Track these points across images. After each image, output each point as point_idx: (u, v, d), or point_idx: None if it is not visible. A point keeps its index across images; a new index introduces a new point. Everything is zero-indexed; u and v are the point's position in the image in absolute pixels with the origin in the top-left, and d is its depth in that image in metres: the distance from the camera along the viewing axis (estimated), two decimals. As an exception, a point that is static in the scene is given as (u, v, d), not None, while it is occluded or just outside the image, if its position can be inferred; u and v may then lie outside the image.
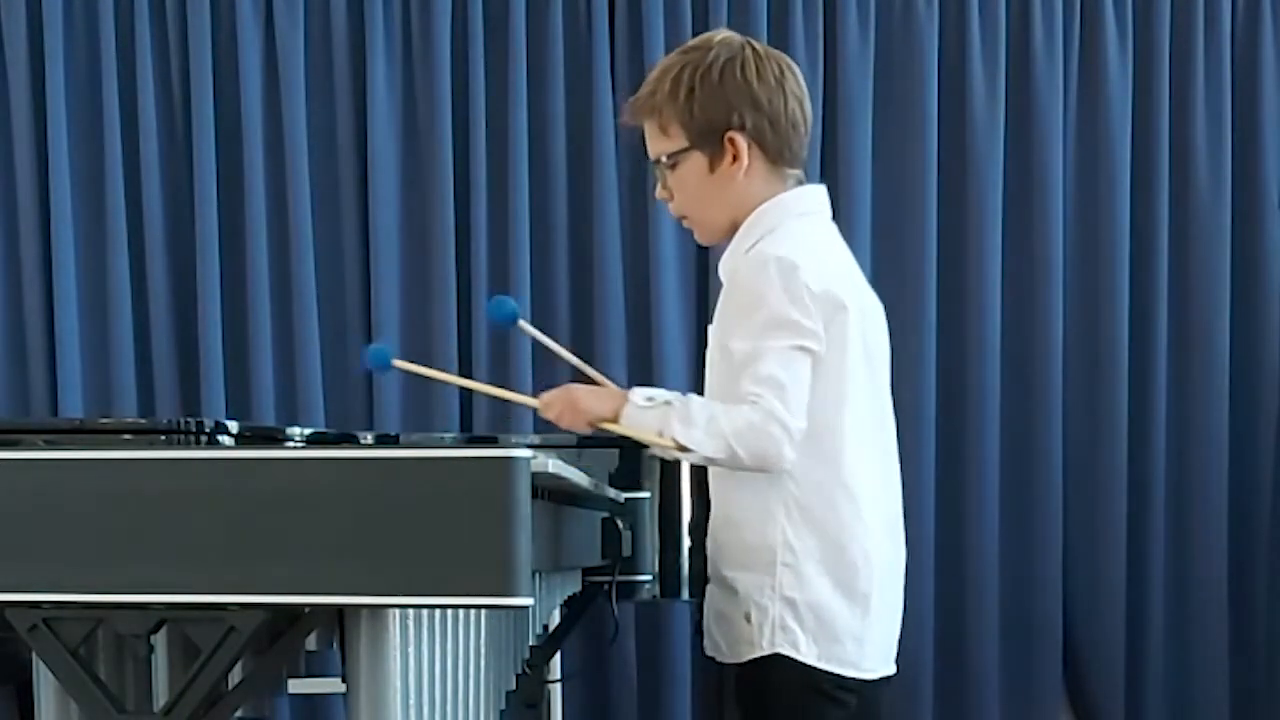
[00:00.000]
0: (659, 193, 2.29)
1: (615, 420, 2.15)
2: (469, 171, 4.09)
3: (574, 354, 2.59)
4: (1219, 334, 4.20)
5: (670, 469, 3.02)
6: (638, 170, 4.12)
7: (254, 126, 4.03)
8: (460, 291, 4.09)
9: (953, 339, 4.17)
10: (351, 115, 4.09)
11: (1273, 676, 4.29)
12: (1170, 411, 4.22)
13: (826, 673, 2.20)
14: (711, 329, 2.30)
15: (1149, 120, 4.20)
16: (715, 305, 4.18)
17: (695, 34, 4.08)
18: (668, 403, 2.13)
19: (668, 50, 4.04)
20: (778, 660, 2.19)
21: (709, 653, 2.34)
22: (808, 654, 2.19)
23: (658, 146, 2.25)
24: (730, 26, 4.05)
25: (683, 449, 2.10)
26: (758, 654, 2.21)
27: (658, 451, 2.19)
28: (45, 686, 1.75)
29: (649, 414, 2.13)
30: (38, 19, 3.99)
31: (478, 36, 4.08)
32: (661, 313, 4.09)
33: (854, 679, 2.22)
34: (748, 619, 2.21)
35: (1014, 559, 4.20)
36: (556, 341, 2.66)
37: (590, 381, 2.42)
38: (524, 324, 2.56)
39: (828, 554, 2.19)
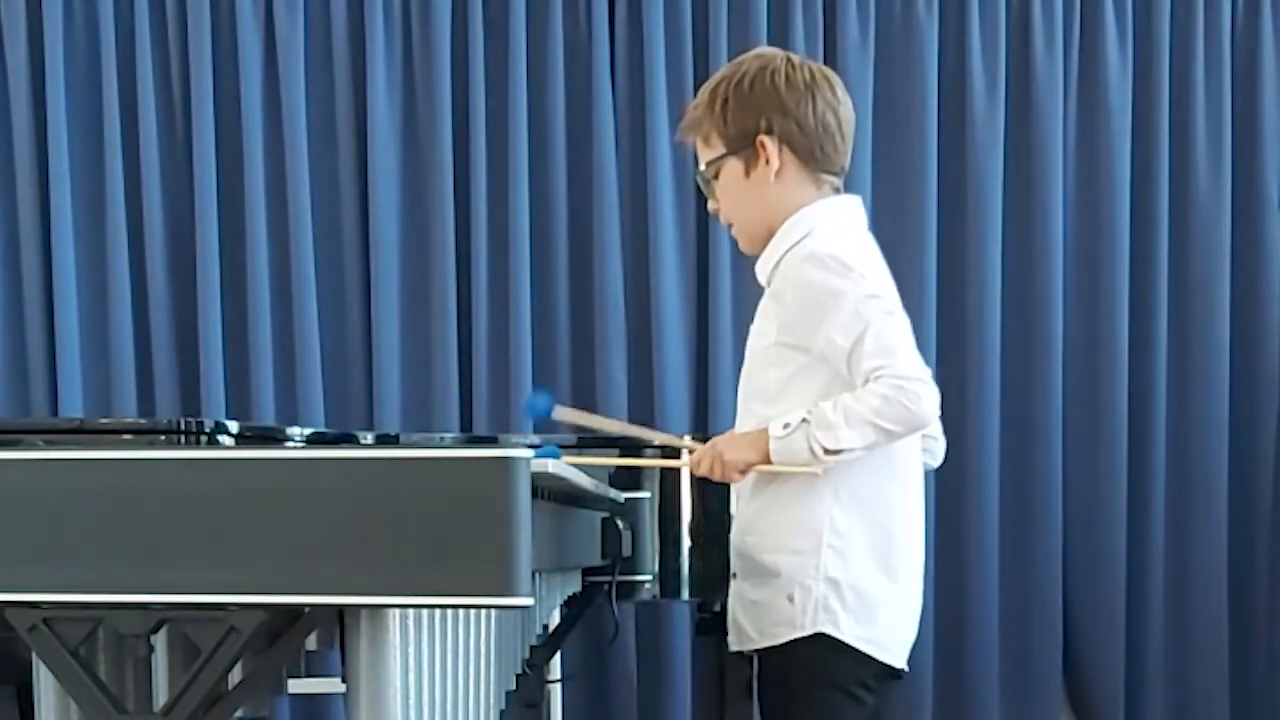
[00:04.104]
0: (710, 205, 2.40)
1: (766, 460, 2.22)
2: (469, 171, 4.09)
3: (625, 422, 2.64)
4: (1219, 334, 4.20)
5: (670, 469, 3.02)
6: (637, 169, 4.13)
7: (254, 126, 4.03)
8: (460, 292, 4.09)
9: (953, 338, 4.17)
10: (351, 115, 4.09)
11: (1273, 676, 4.29)
12: (1170, 411, 4.22)
13: (860, 655, 2.24)
14: (755, 328, 2.37)
15: (1149, 120, 4.20)
16: (721, 305, 4.20)
17: (695, 34, 4.13)
18: (804, 420, 2.18)
19: (667, 50, 4.10)
20: (817, 640, 2.24)
21: (735, 647, 2.37)
22: (848, 635, 2.24)
23: (703, 157, 2.37)
24: (730, 26, 4.10)
25: (834, 453, 2.16)
26: (798, 634, 2.24)
27: (812, 472, 2.22)
28: (45, 686, 1.74)
29: (793, 439, 2.19)
30: (38, 19, 3.99)
31: (478, 36, 4.08)
32: (661, 313, 4.09)
33: (883, 664, 2.27)
34: (790, 600, 2.25)
35: (1014, 559, 4.20)
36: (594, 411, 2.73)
37: (639, 444, 2.60)
38: (560, 410, 2.58)
39: (874, 537, 2.26)
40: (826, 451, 2.16)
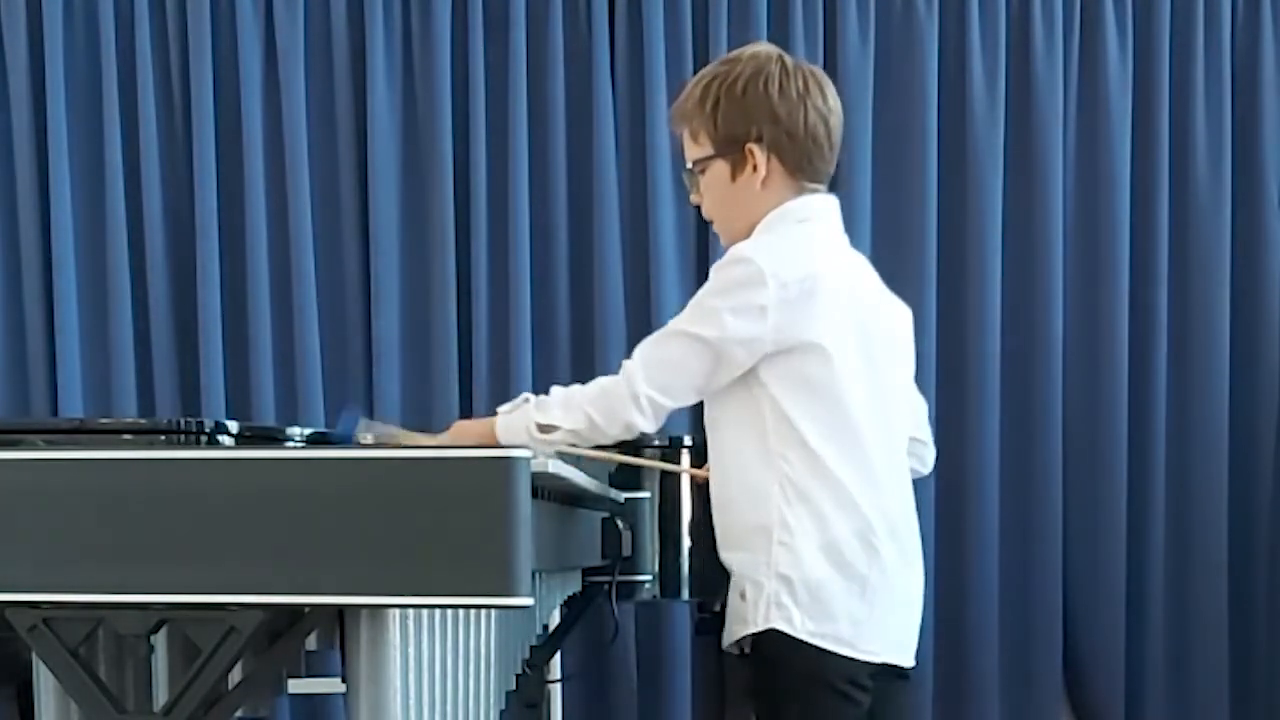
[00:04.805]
0: (692, 198, 2.40)
1: (493, 439, 2.27)
2: (469, 171, 4.09)
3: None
4: (1219, 334, 4.20)
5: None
6: (637, 169, 4.13)
7: (254, 126, 4.03)
8: (460, 291, 4.09)
9: (953, 338, 4.17)
10: (351, 115, 4.09)
11: (1273, 677, 4.29)
12: (1170, 411, 4.22)
13: (819, 649, 2.24)
14: None
15: (1149, 120, 4.19)
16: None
17: (695, 34, 4.12)
18: (525, 399, 2.28)
19: (667, 50, 4.09)
20: (772, 636, 2.24)
21: (725, 647, 2.38)
22: (801, 629, 2.23)
23: (689, 152, 2.36)
24: (730, 26, 4.09)
25: (547, 429, 2.22)
26: (752, 630, 2.25)
27: (542, 450, 2.24)
28: (45, 686, 1.75)
29: (513, 418, 2.27)
30: (38, 19, 3.99)
31: (478, 36, 4.08)
32: (661, 313, 4.08)
33: (850, 659, 2.26)
34: (743, 596, 2.26)
35: (1014, 559, 4.20)
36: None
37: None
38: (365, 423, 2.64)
39: (824, 534, 2.24)
40: (539, 427, 2.23)
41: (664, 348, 2.24)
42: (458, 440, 2.34)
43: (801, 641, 2.23)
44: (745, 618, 2.26)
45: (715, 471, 2.34)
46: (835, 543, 2.24)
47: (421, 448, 2.33)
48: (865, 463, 2.28)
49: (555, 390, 2.27)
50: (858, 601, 2.27)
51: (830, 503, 2.24)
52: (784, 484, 2.23)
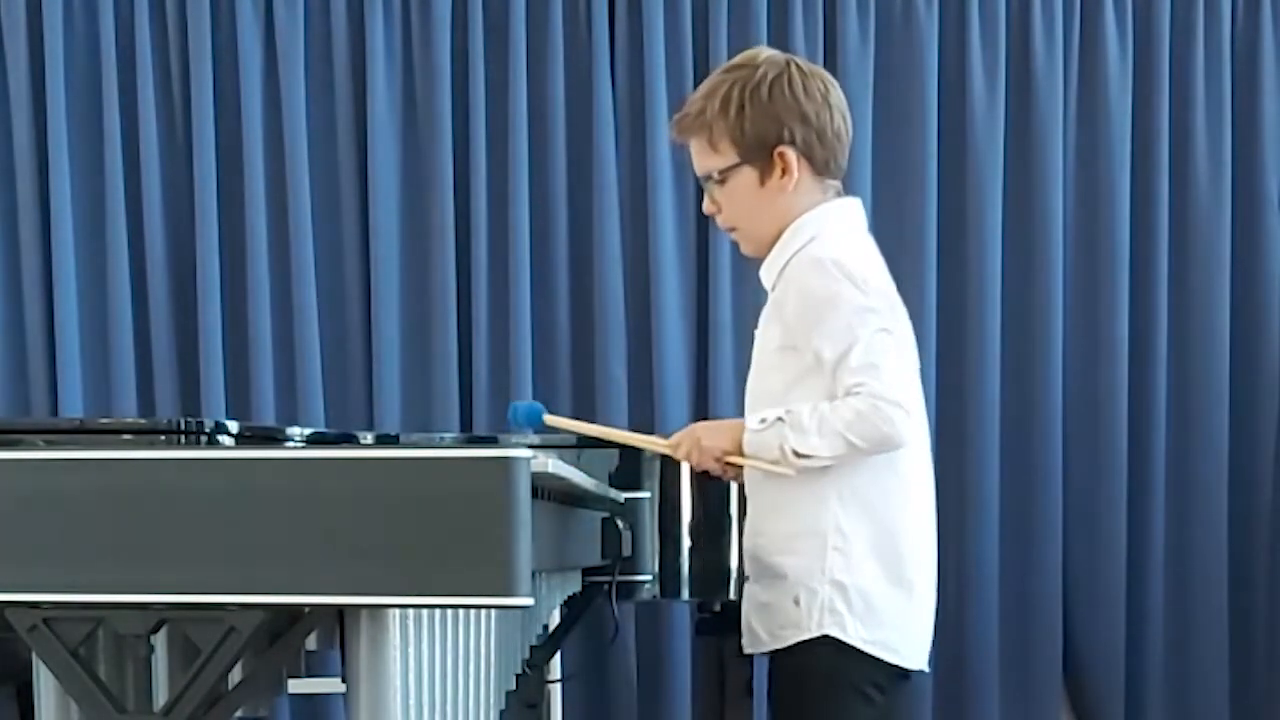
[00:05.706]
0: (707, 207, 2.36)
1: (738, 450, 2.25)
2: (469, 171, 4.09)
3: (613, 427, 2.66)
4: (1219, 334, 4.20)
5: (670, 469, 3.02)
6: (637, 170, 4.13)
7: (254, 126, 4.03)
8: (460, 292, 4.09)
9: (953, 338, 4.17)
10: (351, 115, 4.09)
11: (1273, 677, 4.28)
12: (1170, 411, 4.22)
13: (870, 657, 2.25)
14: (759, 332, 2.36)
15: (1149, 120, 4.19)
16: (721, 306, 4.20)
17: (695, 34, 4.13)
18: (779, 419, 2.21)
19: (668, 50, 4.09)
20: (824, 643, 2.24)
21: (748, 650, 2.38)
22: (854, 637, 2.24)
23: (707, 163, 2.32)
24: (730, 26, 4.10)
25: (803, 457, 2.18)
26: (805, 636, 2.25)
27: (782, 472, 2.23)
28: (45, 686, 1.74)
29: (766, 434, 2.21)
30: (38, 19, 3.99)
31: (478, 36, 4.08)
32: (661, 313, 4.08)
33: (895, 666, 2.27)
34: (796, 602, 2.25)
35: (1014, 559, 4.20)
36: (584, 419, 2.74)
37: (629, 448, 2.58)
38: (550, 418, 2.55)
39: (878, 540, 2.25)
40: (796, 454, 2.18)
41: (872, 358, 2.17)
42: (705, 437, 2.30)
43: (852, 648, 2.24)
44: (799, 624, 2.25)
45: (757, 478, 2.32)
46: (888, 549, 2.26)
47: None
48: (912, 464, 2.30)
49: (803, 412, 2.18)
50: (905, 608, 2.29)
51: (886, 509, 2.26)
52: (842, 489, 2.24)
